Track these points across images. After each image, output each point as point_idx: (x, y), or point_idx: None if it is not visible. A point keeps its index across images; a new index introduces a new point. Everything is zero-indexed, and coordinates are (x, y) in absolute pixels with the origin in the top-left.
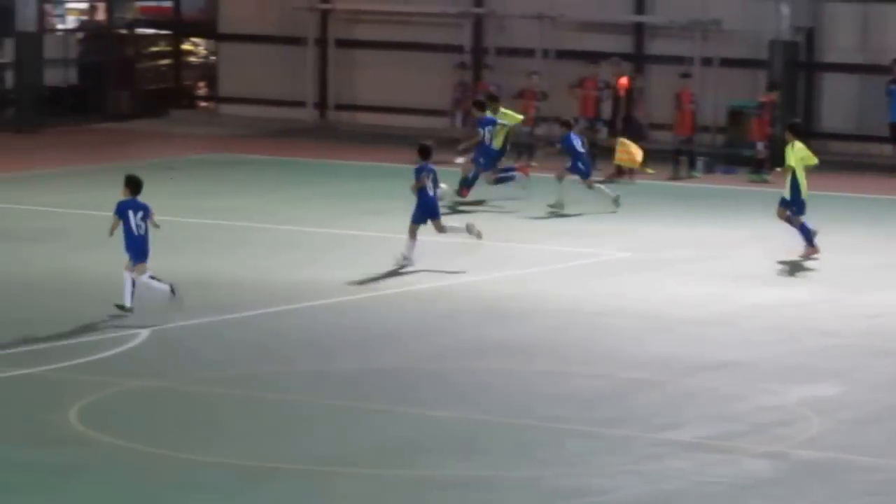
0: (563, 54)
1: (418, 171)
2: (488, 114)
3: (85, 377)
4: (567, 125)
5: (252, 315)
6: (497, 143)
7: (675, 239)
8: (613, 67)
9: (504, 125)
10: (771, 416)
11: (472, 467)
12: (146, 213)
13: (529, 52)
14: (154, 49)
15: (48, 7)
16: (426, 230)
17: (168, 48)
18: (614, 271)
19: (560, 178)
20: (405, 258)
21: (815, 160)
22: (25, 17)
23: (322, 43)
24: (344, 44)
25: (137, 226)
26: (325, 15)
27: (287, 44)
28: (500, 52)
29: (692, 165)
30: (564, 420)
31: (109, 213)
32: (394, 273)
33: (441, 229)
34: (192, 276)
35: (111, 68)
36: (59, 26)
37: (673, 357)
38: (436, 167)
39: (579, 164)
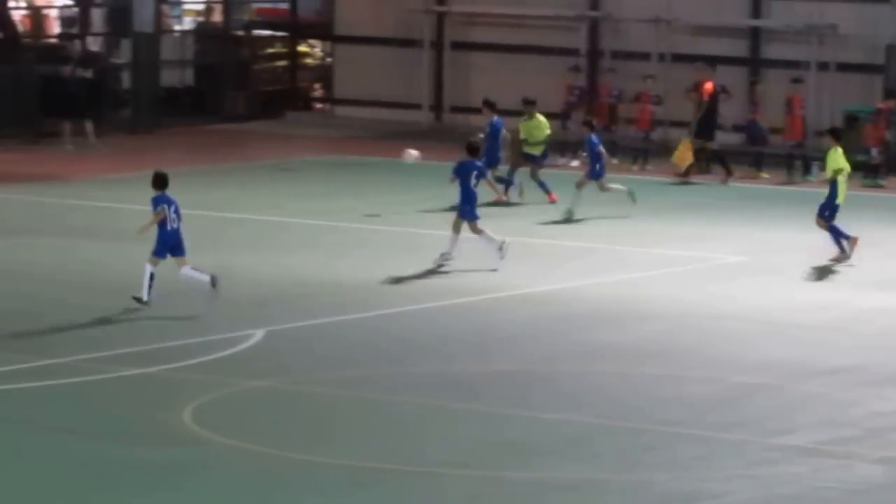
0: (679, 58)
1: (464, 168)
2: (495, 117)
3: (199, 377)
4: (590, 126)
5: (367, 316)
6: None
7: (790, 243)
8: (698, 72)
9: (499, 130)
10: (885, 421)
11: (585, 470)
12: (178, 207)
13: (645, 56)
14: (270, 51)
15: (165, 8)
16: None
17: (284, 50)
18: (728, 275)
19: (580, 187)
20: (445, 254)
21: (847, 167)
22: (142, 18)
23: (437, 45)
24: (459, 46)
25: (171, 219)
26: (440, 17)
27: (403, 46)
28: (616, 55)
29: (807, 170)
30: (677, 424)
31: (223, 214)
32: (506, 276)
33: (477, 231)
34: (307, 276)
35: (227, 69)
36: (176, 27)
37: (787, 361)
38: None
39: (597, 167)
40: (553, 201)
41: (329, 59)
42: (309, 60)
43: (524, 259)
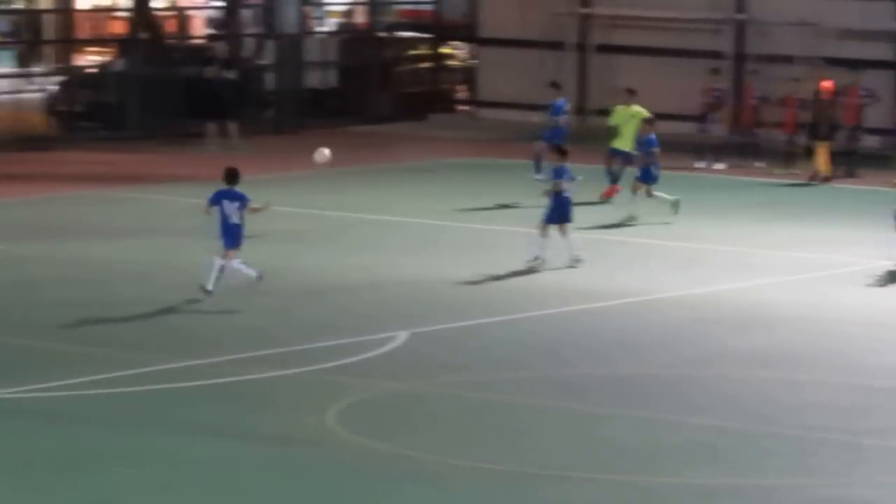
0: (825, 62)
1: (558, 173)
2: (561, 98)
3: (343, 379)
4: (649, 123)
5: (510, 319)
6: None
7: None
8: (814, 71)
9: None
10: None
11: (712, 474)
12: (243, 203)
13: (790, 59)
14: (413, 52)
15: (308, 10)
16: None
17: (428, 52)
18: (866, 280)
19: (636, 192)
20: (536, 257)
21: None
22: (287, 20)
23: (581, 48)
24: (603, 49)
25: (231, 214)
26: (585, 20)
27: (547, 48)
28: (760, 58)
29: None
30: (818, 429)
31: (363, 216)
32: (637, 281)
33: (565, 233)
34: (453, 278)
35: (371, 71)
36: (318, 29)
37: None
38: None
39: (651, 170)
40: (609, 196)
41: (472, 61)
42: (452, 62)
43: (647, 262)
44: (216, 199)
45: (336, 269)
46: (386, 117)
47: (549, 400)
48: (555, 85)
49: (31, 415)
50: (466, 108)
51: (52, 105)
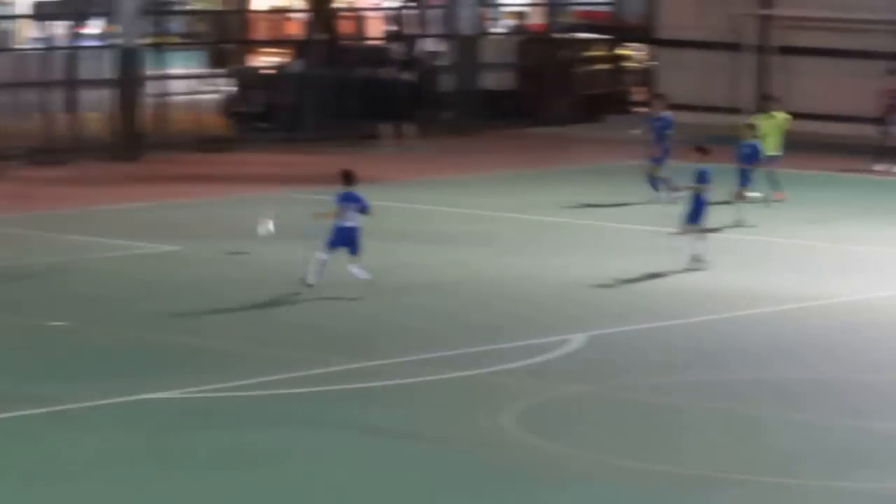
0: None
1: (703, 175)
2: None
3: (522, 381)
4: (752, 128)
5: (689, 322)
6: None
7: None
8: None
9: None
10: None
11: (882, 478)
12: (362, 206)
13: None
14: (590, 54)
15: (485, 11)
16: None
17: (605, 53)
18: None
19: (738, 198)
20: (696, 259)
21: None
22: (464, 21)
23: (761, 49)
24: (784, 51)
25: (347, 217)
26: (764, 21)
27: (726, 50)
28: None
29: None
30: None
31: (541, 217)
32: (819, 283)
33: (698, 235)
34: (630, 281)
35: (548, 73)
36: (494, 30)
37: None
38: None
39: (749, 174)
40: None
41: (650, 63)
42: (630, 64)
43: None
44: (339, 202)
45: (508, 269)
46: (562, 119)
47: (719, 403)
48: (659, 96)
49: (218, 414)
50: (644, 109)
51: (229, 106)
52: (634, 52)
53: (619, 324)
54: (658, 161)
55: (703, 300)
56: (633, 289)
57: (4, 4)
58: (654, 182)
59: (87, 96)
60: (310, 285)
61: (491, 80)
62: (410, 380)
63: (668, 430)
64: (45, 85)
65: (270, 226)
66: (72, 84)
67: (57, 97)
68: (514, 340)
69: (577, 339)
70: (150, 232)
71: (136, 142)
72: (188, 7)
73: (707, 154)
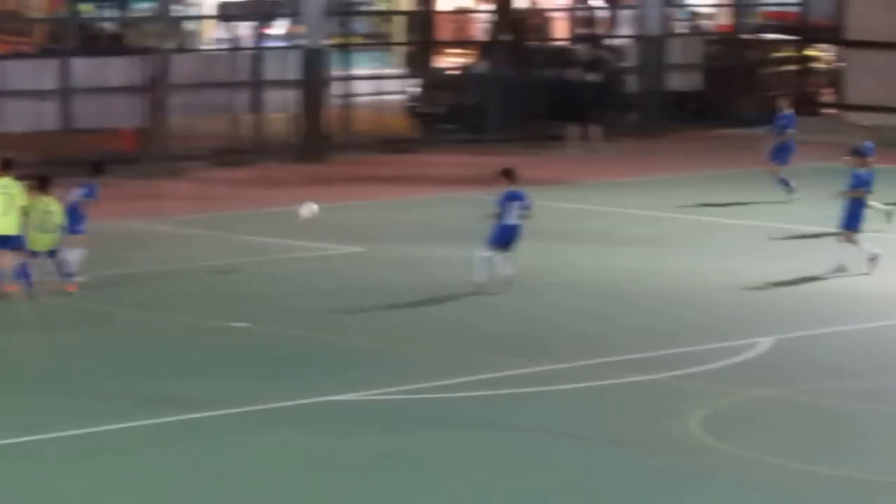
0: None
1: (863, 181)
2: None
3: (706, 385)
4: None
5: (875, 327)
6: None
7: None
8: None
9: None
10: None
11: None
12: (524, 204)
13: None
14: (778, 55)
15: (672, 11)
16: None
17: (793, 54)
18: None
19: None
20: (872, 255)
21: None
22: (650, 22)
23: None
24: None
25: (510, 215)
26: None
27: None
28: None
29: None
30: None
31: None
32: None
33: (853, 241)
34: (815, 283)
35: (736, 73)
36: (682, 31)
37: None
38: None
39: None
40: None
41: (838, 64)
42: (818, 65)
43: None
44: (503, 201)
45: (692, 272)
46: (751, 120)
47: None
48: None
49: (392, 414)
50: (832, 111)
51: (413, 107)
52: (822, 53)
53: (811, 327)
54: (779, 160)
55: (875, 304)
56: (818, 291)
57: (190, 5)
58: (783, 181)
59: (272, 97)
60: (481, 285)
61: (677, 81)
62: (594, 383)
63: (849, 435)
64: (230, 86)
65: (315, 207)
66: (257, 85)
67: (242, 98)
68: (701, 344)
69: (766, 343)
70: (334, 233)
71: (320, 143)
72: (373, 7)
73: (864, 159)
